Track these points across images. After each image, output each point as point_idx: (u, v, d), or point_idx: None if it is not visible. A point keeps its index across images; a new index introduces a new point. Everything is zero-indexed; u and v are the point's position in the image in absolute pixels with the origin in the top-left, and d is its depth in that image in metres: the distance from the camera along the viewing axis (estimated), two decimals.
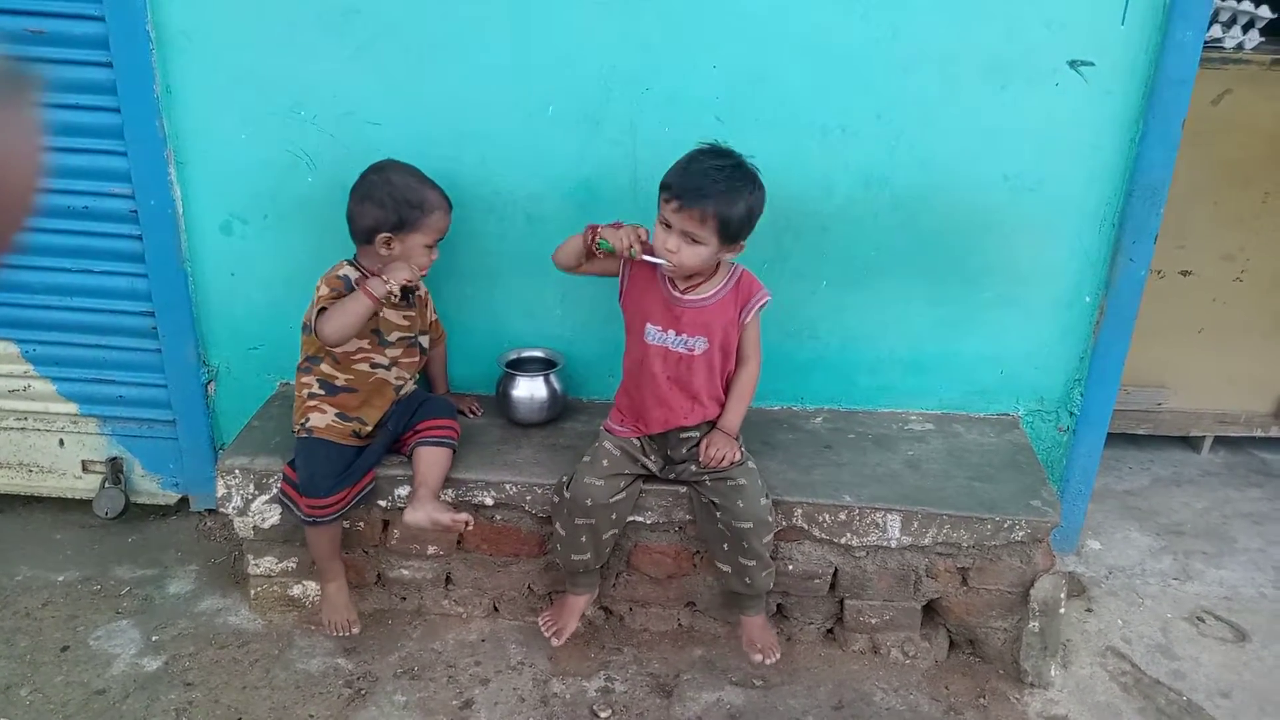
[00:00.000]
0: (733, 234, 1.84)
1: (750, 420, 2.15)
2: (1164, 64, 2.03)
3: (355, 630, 2.14)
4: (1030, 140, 2.13)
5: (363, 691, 2.03)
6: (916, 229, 2.22)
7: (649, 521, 2.10)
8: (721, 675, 2.11)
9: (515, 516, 2.15)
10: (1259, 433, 2.99)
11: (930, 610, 2.17)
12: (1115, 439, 2.70)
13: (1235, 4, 2.55)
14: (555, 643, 2.09)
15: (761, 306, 1.97)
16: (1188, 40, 2.00)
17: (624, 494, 2.00)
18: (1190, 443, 3.06)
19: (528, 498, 2.12)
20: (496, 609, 2.27)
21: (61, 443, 2.54)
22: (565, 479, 2.03)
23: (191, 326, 2.38)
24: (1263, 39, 2.60)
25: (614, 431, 2.05)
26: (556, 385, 2.30)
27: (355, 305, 1.93)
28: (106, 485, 2.54)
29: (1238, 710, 2.05)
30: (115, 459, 2.54)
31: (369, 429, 2.09)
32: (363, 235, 2.02)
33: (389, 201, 1.97)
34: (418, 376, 2.23)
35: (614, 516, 2.00)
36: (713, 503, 1.99)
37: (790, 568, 2.09)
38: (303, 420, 2.06)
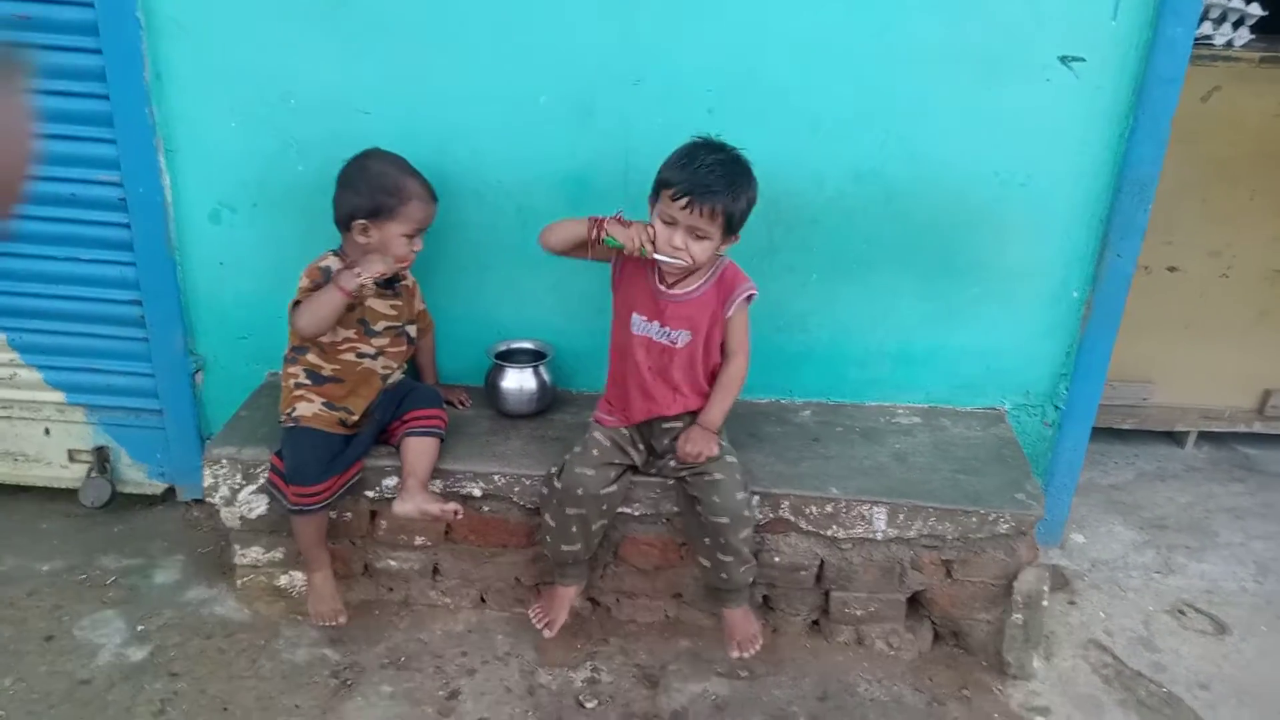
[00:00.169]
0: (734, 227, 1.86)
1: (739, 413, 2.16)
2: (1154, 60, 2.03)
3: (342, 620, 2.14)
4: (1020, 136, 2.14)
5: (349, 682, 2.04)
6: (906, 223, 2.22)
7: (637, 513, 2.10)
8: (707, 666, 2.12)
9: (503, 507, 2.15)
10: (1242, 428, 3.02)
11: (915, 602, 2.18)
12: (1101, 433, 2.71)
13: (1225, 1, 2.56)
14: (547, 634, 2.09)
15: (747, 299, 1.96)
16: (1178, 37, 2.01)
17: (615, 486, 2.01)
18: (1175, 438, 3.09)
19: (516, 489, 2.12)
20: (484, 600, 2.27)
21: (48, 431, 2.53)
22: (555, 469, 2.03)
23: (179, 315, 2.37)
24: (1252, 36, 2.61)
25: (603, 422, 2.06)
26: (546, 377, 2.30)
27: (327, 298, 1.93)
28: (93, 474, 2.53)
29: (1216, 701, 2.07)
30: (102, 448, 2.53)
31: (355, 418, 2.09)
32: (342, 223, 2.01)
33: (364, 188, 1.97)
34: (406, 366, 2.23)
35: (604, 507, 2.01)
36: (693, 497, 2.00)
37: (776, 559, 2.11)
38: (289, 410, 2.06)
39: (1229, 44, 2.60)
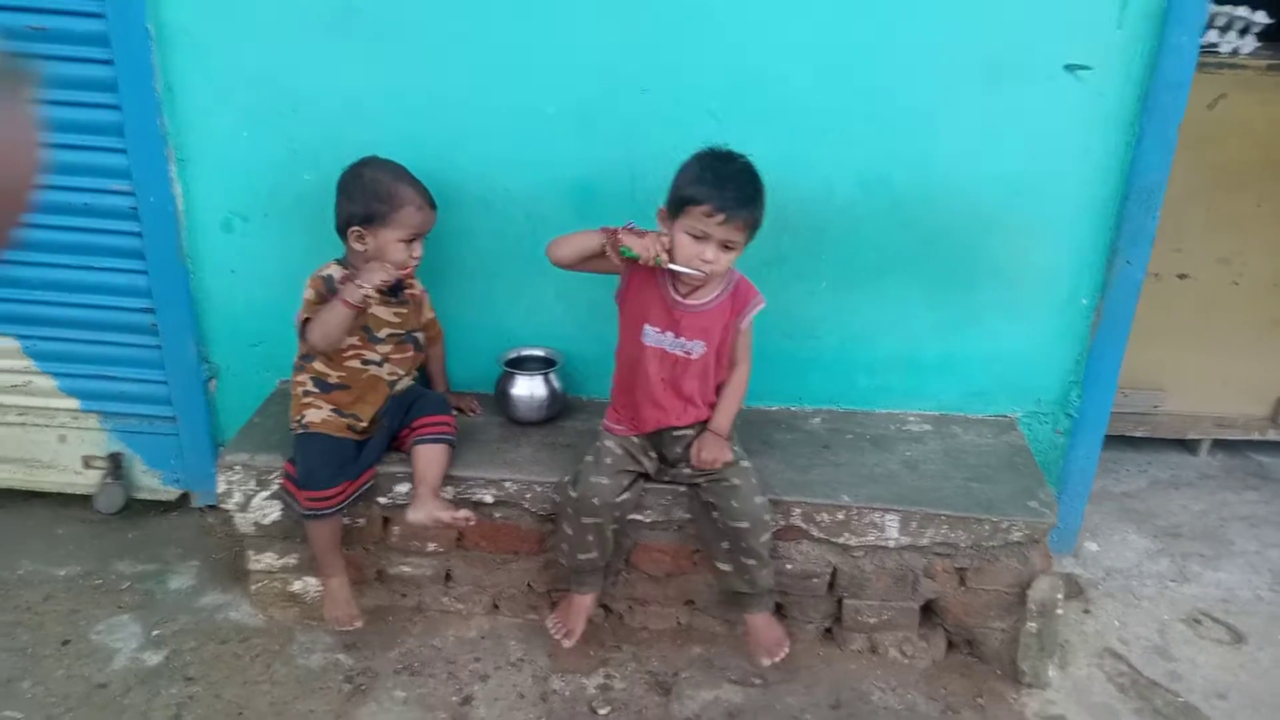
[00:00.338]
0: (754, 235, 1.88)
1: (748, 420, 2.16)
2: (1160, 68, 2.04)
3: (357, 624, 2.14)
4: (1028, 143, 2.14)
5: (363, 687, 2.04)
6: (915, 230, 2.23)
7: (648, 520, 2.10)
8: (720, 673, 2.12)
9: (515, 514, 2.15)
10: (1256, 436, 3.00)
11: (928, 610, 2.17)
12: (1113, 441, 2.70)
13: (1231, 9, 2.57)
14: (567, 644, 2.09)
15: (756, 312, 1.99)
16: (1184, 44, 2.02)
17: (628, 493, 2.01)
18: (1187, 445, 3.07)
19: (527, 495, 2.12)
20: (496, 606, 2.27)
21: (62, 438, 2.55)
22: (569, 479, 2.04)
23: (192, 323, 2.39)
24: (1258, 44, 2.61)
25: (613, 430, 2.06)
26: (556, 384, 2.31)
27: (334, 314, 1.95)
28: (107, 481, 2.54)
29: (1234, 711, 2.06)
30: (116, 455, 2.55)
31: (364, 424, 2.10)
32: (340, 230, 2.03)
33: (358, 195, 1.99)
34: (416, 373, 2.24)
35: (618, 514, 2.01)
36: (709, 504, 2.00)
37: (789, 567, 2.10)
38: (299, 417, 2.07)
39: (1235, 52, 2.60)
